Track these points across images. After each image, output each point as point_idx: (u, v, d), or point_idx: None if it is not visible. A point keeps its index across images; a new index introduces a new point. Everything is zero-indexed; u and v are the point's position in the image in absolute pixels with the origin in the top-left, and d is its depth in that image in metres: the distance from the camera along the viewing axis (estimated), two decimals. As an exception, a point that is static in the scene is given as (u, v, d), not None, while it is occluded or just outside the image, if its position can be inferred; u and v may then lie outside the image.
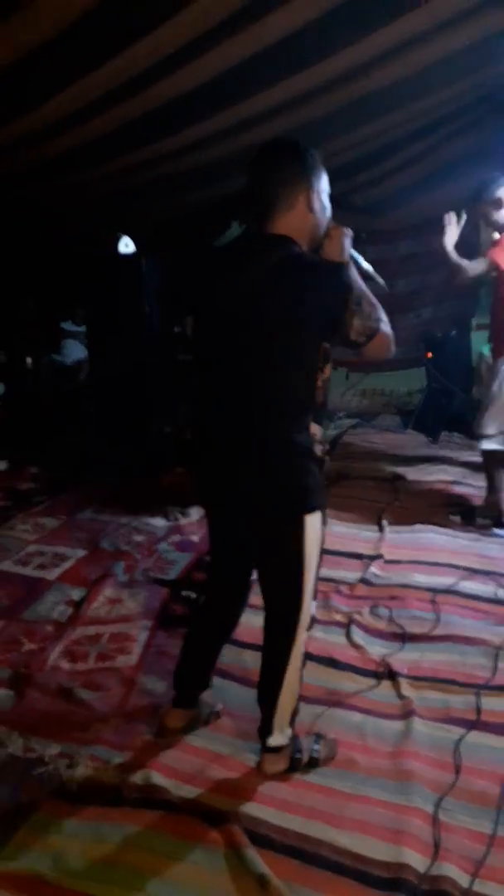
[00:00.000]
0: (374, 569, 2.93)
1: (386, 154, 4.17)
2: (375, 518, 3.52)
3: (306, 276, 1.46)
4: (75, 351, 6.33)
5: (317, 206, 1.53)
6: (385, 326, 1.52)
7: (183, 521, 3.54)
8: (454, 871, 1.47)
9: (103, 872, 1.48)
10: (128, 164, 3.89)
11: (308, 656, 2.18)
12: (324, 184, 1.56)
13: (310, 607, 1.67)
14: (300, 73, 3.05)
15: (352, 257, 1.63)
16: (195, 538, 3.32)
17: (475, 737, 1.89)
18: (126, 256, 4.20)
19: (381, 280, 1.70)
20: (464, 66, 3.23)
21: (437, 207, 4.90)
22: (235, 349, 1.52)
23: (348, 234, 1.62)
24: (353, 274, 1.54)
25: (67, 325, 6.39)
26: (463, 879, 1.46)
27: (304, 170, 1.51)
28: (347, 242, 1.62)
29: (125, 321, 4.11)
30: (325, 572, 2.75)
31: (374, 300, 1.53)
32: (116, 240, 4.11)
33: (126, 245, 4.16)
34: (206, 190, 4.34)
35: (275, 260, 1.48)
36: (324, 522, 1.63)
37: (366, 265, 1.67)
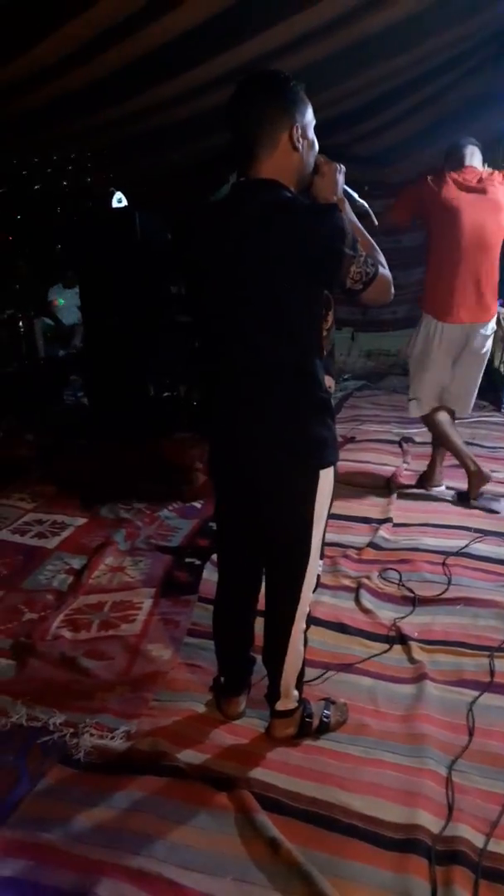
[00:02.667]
0: (383, 532, 2.88)
1: (391, 100, 4.01)
2: (384, 481, 3.46)
3: (295, 222, 1.36)
4: (69, 314, 6.21)
5: (301, 143, 1.41)
6: (383, 269, 1.44)
7: (185, 488, 3.47)
8: (468, 832, 1.45)
9: (110, 838, 1.46)
10: (120, 114, 3.74)
11: (317, 621, 2.18)
12: (308, 117, 1.43)
13: (315, 567, 1.62)
14: (299, 14, 2.89)
15: (346, 193, 1.53)
16: (197, 505, 3.26)
17: (488, 699, 1.86)
18: (119, 211, 4.03)
19: (375, 219, 1.60)
20: (469, 5, 3.06)
21: (438, 158, 4.71)
22: (236, 305, 1.44)
23: (341, 169, 1.52)
24: (348, 215, 1.45)
25: (58, 288, 6.24)
26: (477, 840, 1.43)
27: (285, 104, 1.38)
28: (340, 178, 1.51)
29: (119, 281, 3.96)
30: (333, 537, 2.73)
31: (372, 241, 1.44)
32: (109, 196, 3.95)
33: (119, 200, 4.00)
34: (203, 141, 4.18)
35: (261, 207, 1.38)
36: (336, 479, 1.57)
37: (360, 201, 1.57)
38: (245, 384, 1.49)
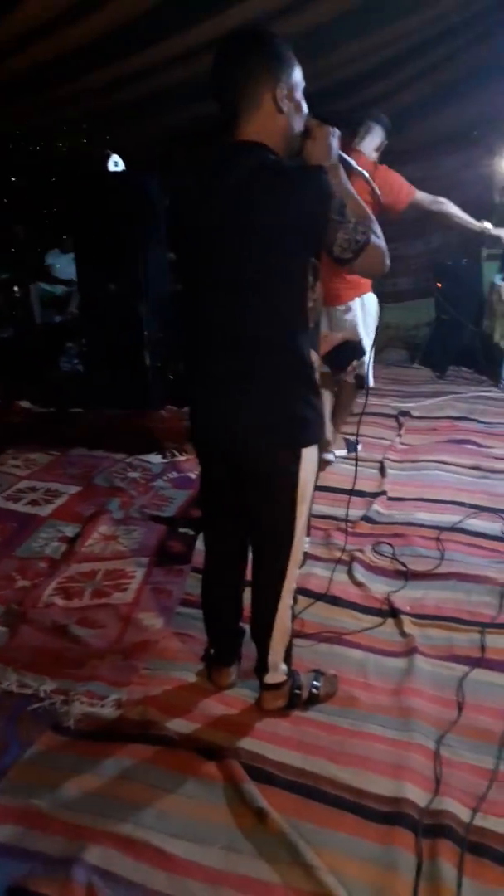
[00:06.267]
0: (377, 506, 2.86)
1: (396, 66, 3.87)
2: (379, 455, 3.43)
3: (279, 184, 1.30)
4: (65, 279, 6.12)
5: (287, 104, 1.34)
6: (376, 238, 1.38)
7: (180, 458, 3.45)
8: (455, 806, 1.45)
9: (98, 805, 1.47)
10: (115, 77, 3.62)
11: (308, 593, 2.17)
12: (295, 77, 1.36)
13: (301, 544, 1.60)
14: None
15: (341, 159, 1.45)
16: (192, 475, 3.24)
17: (479, 674, 1.86)
18: (116, 175, 3.91)
19: (375, 186, 1.56)
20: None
21: (448, 126, 4.59)
22: (217, 272, 1.39)
23: (335, 133, 1.43)
24: (341, 179, 1.38)
25: (55, 253, 6.12)
26: (464, 814, 1.44)
27: (268, 62, 1.31)
28: (335, 143, 1.42)
29: (115, 246, 3.88)
30: (326, 509, 2.72)
31: (366, 210, 1.38)
32: (105, 158, 3.82)
33: (115, 164, 3.88)
34: (201, 105, 4.05)
35: (245, 170, 1.31)
36: (320, 456, 1.53)
37: (358, 168, 1.51)
38: (226, 357, 1.44)
